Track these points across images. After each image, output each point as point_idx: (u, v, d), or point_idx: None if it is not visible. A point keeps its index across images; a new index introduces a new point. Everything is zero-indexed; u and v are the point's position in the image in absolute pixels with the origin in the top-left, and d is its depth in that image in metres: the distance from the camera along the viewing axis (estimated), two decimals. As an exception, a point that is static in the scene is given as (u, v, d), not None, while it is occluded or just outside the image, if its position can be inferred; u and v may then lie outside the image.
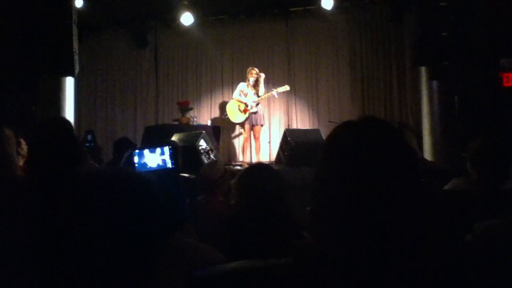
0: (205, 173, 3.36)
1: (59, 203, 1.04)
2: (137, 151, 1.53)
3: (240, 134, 8.52)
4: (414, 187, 0.88)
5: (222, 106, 8.98)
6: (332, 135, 0.95)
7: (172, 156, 1.51)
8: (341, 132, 0.94)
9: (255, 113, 7.73)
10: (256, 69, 7.82)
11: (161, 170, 1.50)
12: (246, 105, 7.70)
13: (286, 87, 7.87)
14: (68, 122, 2.23)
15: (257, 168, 2.79)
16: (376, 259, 0.84)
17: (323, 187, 0.91)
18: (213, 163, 3.96)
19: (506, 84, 6.18)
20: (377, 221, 0.84)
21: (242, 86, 7.89)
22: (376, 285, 0.84)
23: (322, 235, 0.92)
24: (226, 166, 5.83)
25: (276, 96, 7.98)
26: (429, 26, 5.75)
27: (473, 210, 1.60)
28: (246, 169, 2.67)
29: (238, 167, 7.34)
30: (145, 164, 1.52)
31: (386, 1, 8.30)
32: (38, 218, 1.45)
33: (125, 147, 4.02)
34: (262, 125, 7.91)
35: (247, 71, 7.84)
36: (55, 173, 1.83)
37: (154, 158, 1.53)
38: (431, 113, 6.39)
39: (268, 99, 8.24)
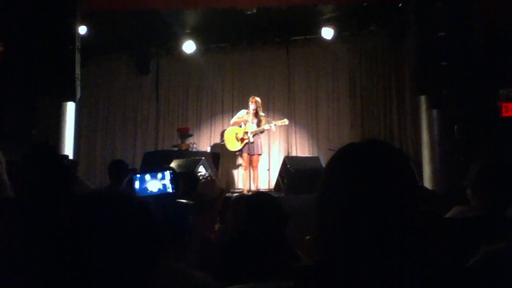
0: (203, 191, 3.25)
1: (53, 224, 1.03)
2: (138, 175, 1.53)
3: (240, 162, 8.51)
4: (415, 206, 0.89)
5: (222, 133, 9.01)
6: (336, 158, 0.95)
7: (172, 181, 1.51)
8: (345, 154, 0.95)
9: (252, 143, 7.71)
10: (256, 98, 7.83)
11: (162, 195, 1.50)
12: (245, 133, 7.69)
13: (285, 121, 7.87)
14: (50, 147, 2.26)
15: (259, 197, 2.76)
16: (382, 279, 0.83)
17: (328, 208, 0.91)
18: (211, 182, 3.86)
19: (505, 114, 6.22)
20: (382, 240, 0.84)
21: (242, 113, 7.92)
22: None
23: (326, 256, 0.91)
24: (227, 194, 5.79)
25: (274, 130, 7.97)
26: (429, 55, 5.82)
27: (476, 237, 1.59)
28: (248, 198, 2.64)
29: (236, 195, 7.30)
30: (146, 189, 1.52)
31: (386, 30, 8.42)
32: (32, 238, 1.43)
33: (122, 171, 4.00)
34: (260, 155, 7.88)
35: (250, 99, 7.86)
36: (46, 194, 1.82)
37: (155, 183, 1.53)
38: (431, 141, 6.41)
39: (267, 126, 8.25)
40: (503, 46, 5.95)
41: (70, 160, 4.67)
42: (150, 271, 1.05)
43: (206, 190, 3.26)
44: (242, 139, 7.72)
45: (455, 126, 6.11)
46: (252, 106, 7.73)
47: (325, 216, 0.92)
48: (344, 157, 0.94)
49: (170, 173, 1.54)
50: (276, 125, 7.79)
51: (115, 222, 1.00)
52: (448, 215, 2.44)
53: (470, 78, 5.77)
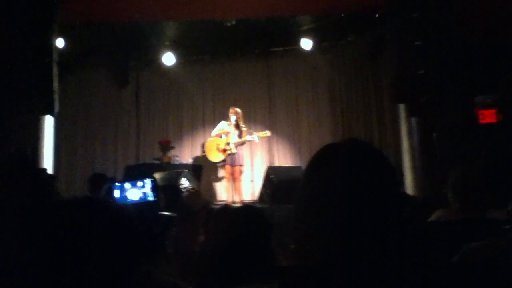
0: (188, 202, 3.24)
1: (29, 231, 1.00)
2: (118, 184, 1.50)
3: (223, 173, 8.48)
4: (398, 203, 0.88)
5: (202, 145, 8.96)
6: (314, 159, 0.94)
7: (153, 189, 1.48)
8: (323, 155, 0.94)
9: (234, 154, 7.68)
10: (236, 108, 7.82)
11: (142, 203, 1.47)
12: (227, 144, 7.67)
13: (267, 133, 7.86)
14: (25, 156, 2.21)
15: (243, 211, 2.73)
16: (366, 281, 0.82)
17: (306, 210, 0.90)
18: (195, 194, 3.83)
19: (482, 121, 6.32)
20: (365, 241, 0.83)
21: (222, 124, 7.90)
22: None
23: (306, 260, 0.90)
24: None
25: (257, 141, 7.95)
26: (406, 64, 5.90)
27: (457, 239, 1.60)
28: (232, 211, 2.61)
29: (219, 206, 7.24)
30: (126, 197, 1.49)
31: (364, 40, 8.54)
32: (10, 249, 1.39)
33: (103, 183, 3.92)
34: (241, 166, 7.85)
35: (230, 110, 7.86)
36: (21, 205, 1.78)
37: (135, 191, 1.50)
38: (411, 149, 6.47)
39: (250, 138, 8.22)
40: (479, 54, 6.07)
41: (48, 174, 4.59)
42: (128, 277, 1.03)
43: (190, 202, 3.26)
44: (224, 150, 7.69)
45: (434, 134, 6.18)
46: (233, 117, 7.72)
47: (304, 219, 0.91)
48: (322, 158, 0.94)
49: (151, 181, 1.51)
50: (259, 137, 7.77)
51: (91, 228, 0.98)
52: (431, 218, 2.46)
53: (446, 86, 5.86)
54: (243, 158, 7.93)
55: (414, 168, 6.40)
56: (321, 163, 0.93)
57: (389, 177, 0.90)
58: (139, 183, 1.51)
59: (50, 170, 5.78)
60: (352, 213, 0.85)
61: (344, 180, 0.87)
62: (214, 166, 8.51)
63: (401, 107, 6.73)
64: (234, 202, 7.46)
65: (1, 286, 1.37)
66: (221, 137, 7.81)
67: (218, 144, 7.76)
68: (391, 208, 0.87)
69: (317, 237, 0.87)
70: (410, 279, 0.86)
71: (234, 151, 7.64)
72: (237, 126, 7.74)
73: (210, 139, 8.01)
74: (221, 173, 8.57)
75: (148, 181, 1.51)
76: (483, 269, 1.03)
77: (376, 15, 7.27)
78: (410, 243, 0.90)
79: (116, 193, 1.50)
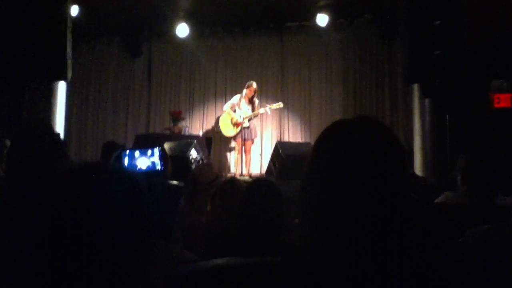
0: (198, 174, 3.24)
1: (39, 198, 1.02)
2: (127, 152, 1.51)
3: (232, 146, 8.52)
4: (406, 185, 0.88)
5: (215, 118, 8.98)
6: (323, 135, 0.94)
7: (161, 158, 1.49)
8: (332, 131, 0.93)
9: (247, 127, 7.73)
10: (255, 84, 7.82)
11: (151, 172, 1.48)
12: (240, 117, 7.72)
13: (280, 104, 7.89)
14: (47, 124, 2.25)
15: (261, 183, 2.74)
16: (368, 260, 0.82)
17: (316, 185, 0.90)
18: (207, 165, 3.82)
19: (496, 105, 6.25)
20: (371, 219, 0.83)
21: (236, 98, 7.92)
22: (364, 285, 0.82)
23: (312, 236, 0.90)
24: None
25: (269, 113, 7.98)
26: (422, 44, 5.80)
27: (464, 222, 1.60)
28: (250, 183, 2.62)
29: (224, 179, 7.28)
30: (135, 166, 1.50)
31: (380, 19, 8.40)
32: (20, 215, 1.42)
33: (113, 150, 3.97)
34: (253, 139, 7.92)
35: (246, 84, 7.85)
36: (36, 171, 1.81)
37: (144, 160, 1.51)
38: (423, 130, 6.42)
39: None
40: (496, 37, 5.96)
41: (61, 139, 4.67)
42: (138, 243, 1.04)
43: (201, 173, 3.25)
44: (237, 124, 7.75)
45: (447, 116, 6.12)
46: (246, 91, 7.75)
47: (310, 198, 0.90)
48: (331, 133, 0.93)
49: (159, 150, 1.52)
50: (271, 109, 7.82)
51: (103, 193, 0.99)
52: (437, 200, 2.46)
53: (463, 68, 5.77)
54: (256, 132, 7.98)
55: (425, 149, 6.35)
56: (330, 138, 0.92)
57: (398, 156, 0.89)
58: (149, 152, 1.52)
59: (61, 136, 5.84)
60: (358, 191, 0.84)
61: (352, 156, 0.86)
62: (225, 138, 8.54)
63: (415, 88, 6.65)
64: (241, 175, 7.51)
65: (15, 246, 1.40)
66: (235, 111, 7.86)
67: (232, 118, 7.83)
68: (399, 188, 0.86)
69: (321, 213, 0.87)
70: (414, 260, 0.86)
71: (246, 124, 7.69)
72: (251, 100, 7.77)
73: (223, 114, 8.04)
74: (231, 145, 8.61)
75: (156, 150, 1.53)
76: (486, 253, 1.03)
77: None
78: (416, 224, 0.90)
79: (126, 161, 1.52)
